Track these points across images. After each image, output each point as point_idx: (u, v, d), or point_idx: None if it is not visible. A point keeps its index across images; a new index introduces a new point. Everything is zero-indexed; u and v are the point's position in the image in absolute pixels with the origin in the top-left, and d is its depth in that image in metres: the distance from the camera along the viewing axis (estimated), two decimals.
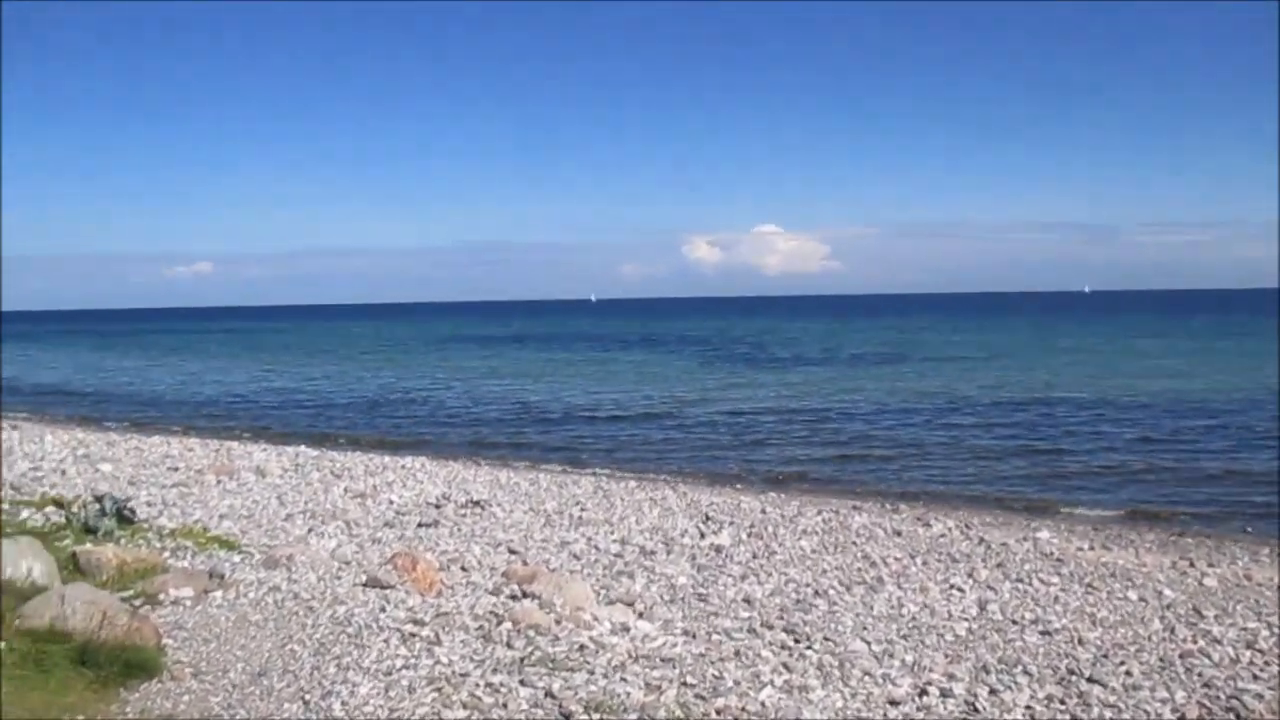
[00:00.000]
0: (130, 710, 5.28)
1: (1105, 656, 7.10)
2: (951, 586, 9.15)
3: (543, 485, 15.12)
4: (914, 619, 8.09)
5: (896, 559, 10.26)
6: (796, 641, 7.36)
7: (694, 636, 7.44)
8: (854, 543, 11.08)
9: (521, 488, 14.83)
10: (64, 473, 15.02)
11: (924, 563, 10.13)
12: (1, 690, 5.17)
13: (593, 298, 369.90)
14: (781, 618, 8.06)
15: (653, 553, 10.52)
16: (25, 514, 10.48)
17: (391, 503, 13.27)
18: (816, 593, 8.92)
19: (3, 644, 5.66)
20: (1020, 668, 6.82)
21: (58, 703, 5.19)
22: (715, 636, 7.46)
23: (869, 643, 7.34)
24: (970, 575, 9.61)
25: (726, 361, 46.17)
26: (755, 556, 10.38)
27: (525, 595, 8.25)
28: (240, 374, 44.04)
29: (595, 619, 7.58)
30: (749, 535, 11.40)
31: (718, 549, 10.70)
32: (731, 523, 12.09)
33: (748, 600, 8.63)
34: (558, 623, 7.30)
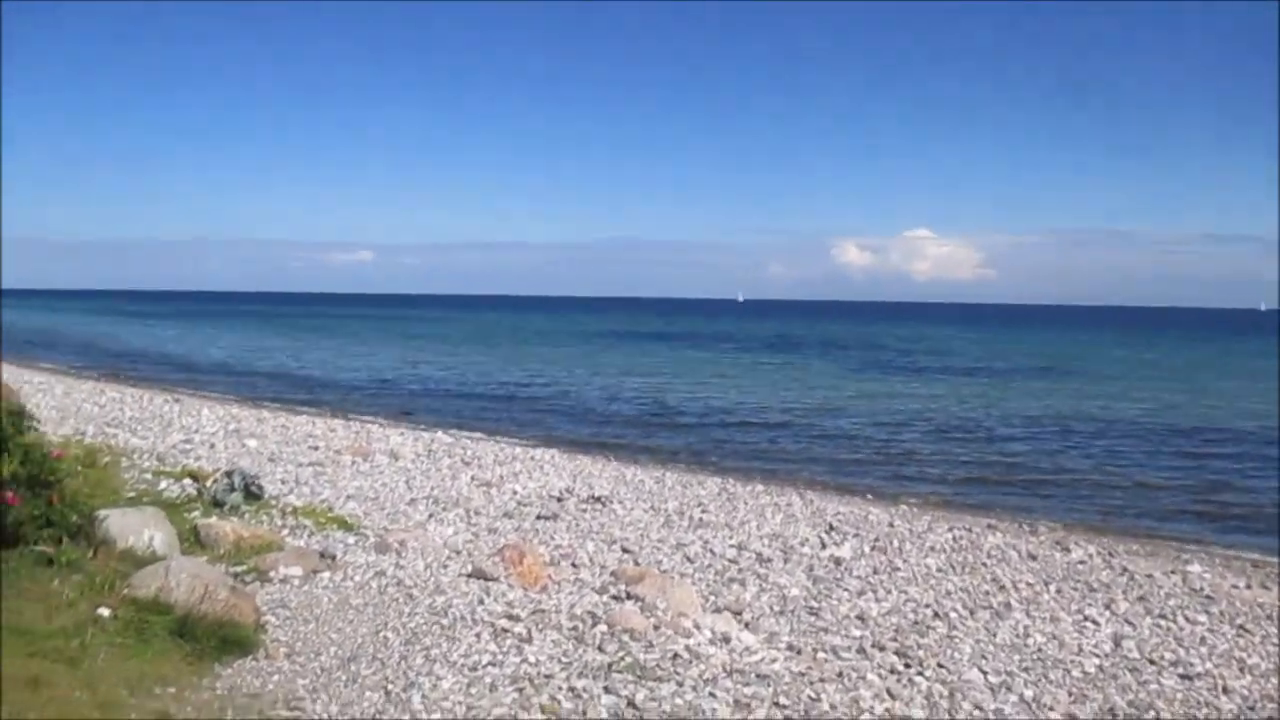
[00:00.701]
0: (220, 686, 5.33)
1: (1252, 709, 6.45)
2: (1085, 618, 8.52)
3: (667, 484, 14.95)
4: (1039, 651, 7.55)
5: (1028, 584, 9.65)
6: (907, 666, 6.96)
7: (798, 652, 7.12)
8: (984, 564, 10.49)
9: (646, 485, 14.70)
10: (213, 446, 15.64)
11: (1058, 590, 9.49)
12: (100, 656, 5.31)
13: (739, 297, 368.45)
14: (895, 639, 7.65)
15: (769, 560, 10.21)
16: (164, 484, 10.91)
17: (515, 493, 13.32)
18: (936, 614, 8.45)
19: (109, 611, 5.82)
20: (1153, 713, 6.26)
21: (153, 673, 5.28)
22: (820, 654, 7.13)
23: (986, 673, 6.88)
24: (1108, 607, 8.94)
25: (870, 368, 45.01)
26: (876, 571, 9.94)
27: (629, 597, 8.08)
28: (389, 359, 45.52)
29: (696, 626, 7.34)
30: (872, 549, 10.94)
31: (837, 561, 10.30)
32: (856, 534, 11.64)
33: (861, 617, 8.24)
34: (655, 628, 7.09)
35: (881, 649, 7.36)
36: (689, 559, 10.13)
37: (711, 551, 10.48)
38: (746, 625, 7.83)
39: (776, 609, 8.41)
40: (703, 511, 12.72)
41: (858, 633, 7.79)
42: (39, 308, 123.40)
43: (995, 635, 7.91)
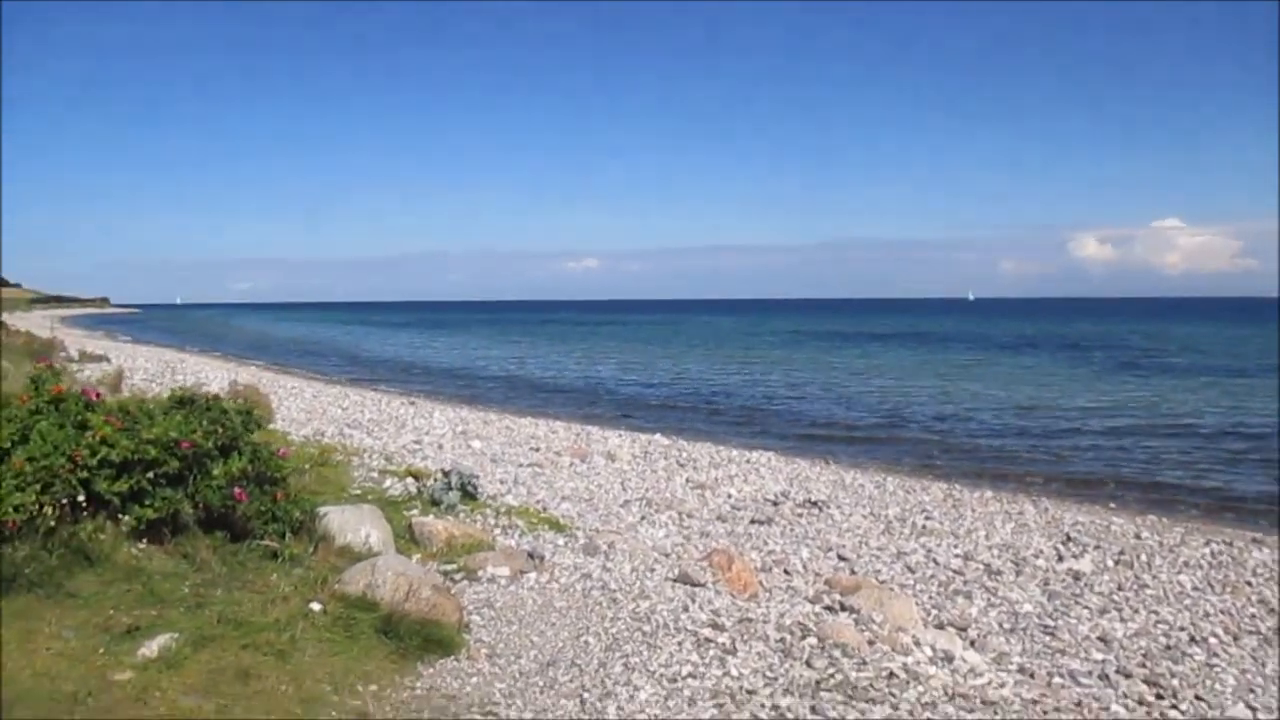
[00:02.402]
0: (420, 686, 5.31)
1: None
2: None
3: (888, 489, 14.28)
4: None
5: None
6: (1159, 697, 6.20)
7: (1030, 676, 6.48)
8: (1248, 583, 9.34)
9: (865, 490, 14.09)
10: (440, 447, 16.20)
11: None
12: (308, 651, 5.41)
13: (970, 296, 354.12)
14: (1144, 665, 6.87)
15: (998, 573, 9.48)
16: (388, 483, 11.30)
17: (729, 496, 13.05)
18: (1193, 639, 7.54)
19: (319, 606, 5.95)
20: None
21: (356, 669, 5.33)
22: (1057, 679, 6.46)
23: (1255, 709, 6.03)
24: None
25: (1114, 369, 41.78)
26: (1120, 588, 9.03)
27: (843, 608, 7.64)
28: (610, 363, 46.32)
29: (915, 643, 6.82)
30: (1115, 563, 9.96)
31: (1076, 575, 9.43)
32: (1097, 546, 10.66)
33: (1104, 639, 7.46)
34: (870, 643, 6.63)
35: (1128, 676, 6.61)
36: (910, 569, 9.55)
37: (935, 561, 9.85)
38: (972, 643, 7.23)
39: (1006, 626, 7.75)
40: (926, 518, 12.02)
41: (1100, 656, 7.04)
42: (295, 319, 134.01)
43: (1265, 666, 6.97)
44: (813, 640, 6.52)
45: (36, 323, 70.41)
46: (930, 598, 8.57)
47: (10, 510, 6.02)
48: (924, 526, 11.59)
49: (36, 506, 6.17)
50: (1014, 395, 29.81)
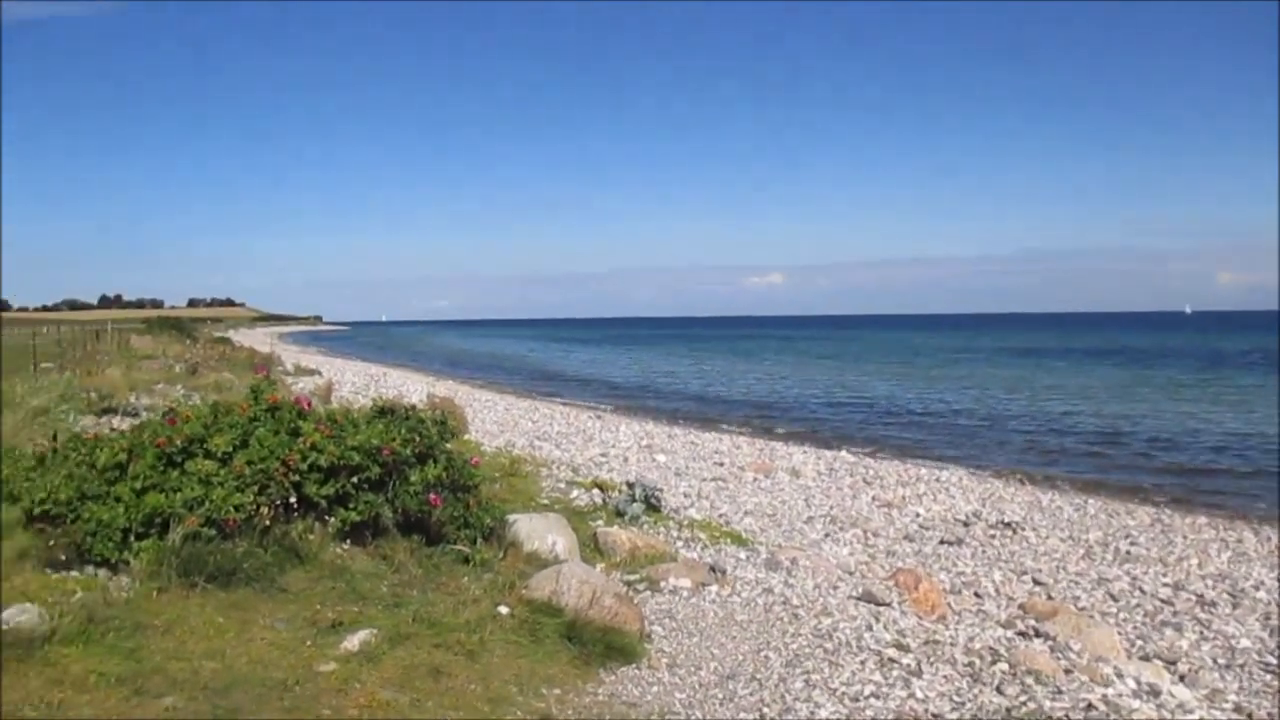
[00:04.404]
0: (602, 692, 5.40)
1: None
2: None
3: (1089, 512, 13.56)
4: None
5: None
6: None
7: (1248, 717, 6.01)
8: None
9: (1064, 513, 13.43)
10: (625, 459, 16.47)
11: None
12: (496, 652, 5.60)
13: (1186, 309, 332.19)
14: None
15: (1213, 604, 8.84)
16: (575, 493, 11.58)
17: (917, 515, 12.71)
18: None
19: (507, 609, 6.15)
20: None
21: (541, 672, 5.48)
22: None
23: None
24: None
25: None
26: None
27: (1037, 634, 7.32)
28: (795, 378, 45.84)
29: (1117, 674, 6.44)
30: None
31: None
32: None
33: None
34: (1066, 672, 6.30)
35: None
36: (1112, 596, 9.04)
37: (1140, 589, 9.28)
38: (1181, 678, 6.77)
39: (1221, 662, 7.23)
40: (1131, 544, 11.35)
41: None
42: (487, 334, 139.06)
43: None
44: (1004, 666, 6.25)
45: (258, 339, 75.92)
46: (1134, 628, 8.08)
47: (231, 509, 6.52)
48: (1128, 552, 10.95)
49: (254, 506, 6.66)
50: (1238, 417, 27.67)
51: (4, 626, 5.00)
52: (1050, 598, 8.83)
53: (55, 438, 7.73)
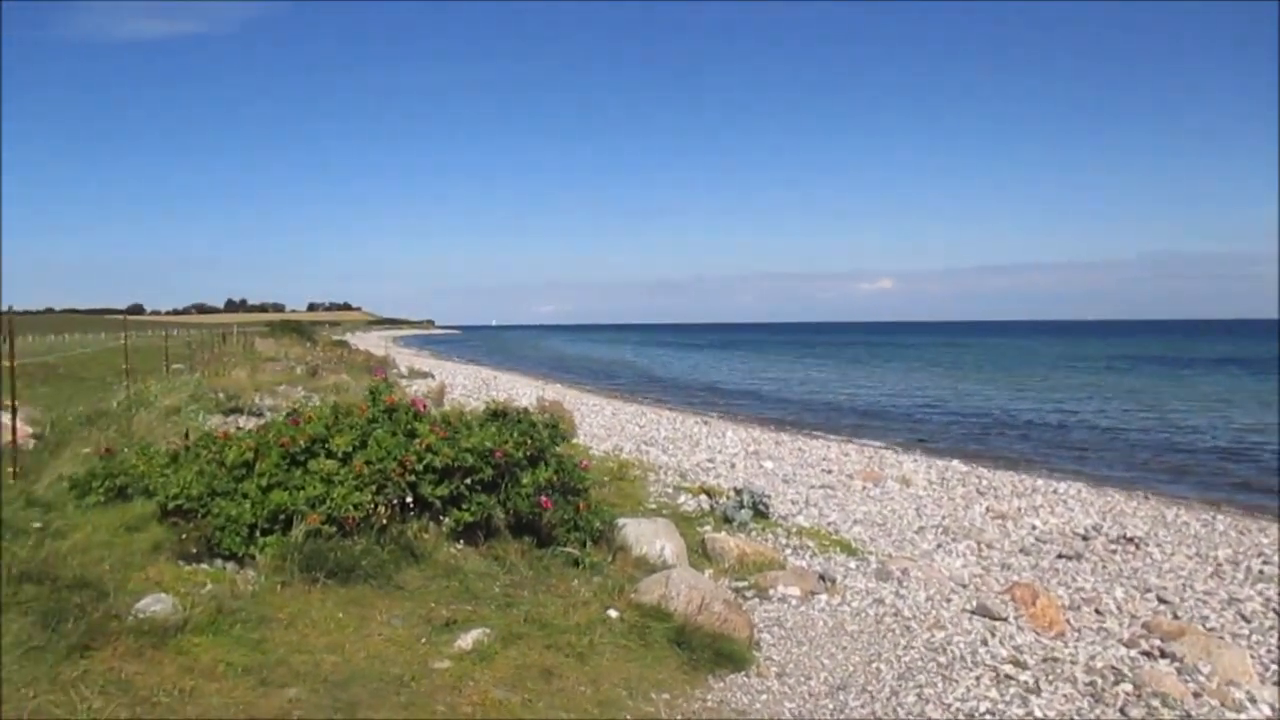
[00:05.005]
0: (710, 698, 5.40)
1: None
2: None
3: (1217, 528, 12.96)
4: None
5: None
6: None
7: None
8: None
9: (1190, 528, 12.87)
10: (732, 465, 16.41)
11: None
12: (606, 655, 5.64)
13: None
14: None
15: None
16: (682, 499, 11.58)
17: (1034, 528, 12.34)
18: None
19: (616, 613, 6.19)
20: None
21: (650, 676, 5.50)
22: None
23: None
24: None
25: None
26: None
27: (1163, 655, 7.03)
28: (906, 386, 45.03)
29: (1250, 699, 6.14)
30: None
31: None
32: None
33: None
34: (1195, 695, 6.04)
35: None
36: (1244, 617, 8.61)
37: (1275, 611, 8.82)
38: None
39: None
40: (1264, 563, 10.80)
41: None
42: (594, 339, 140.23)
43: None
44: (1128, 687, 6.02)
45: (373, 343, 78.14)
46: (1269, 650, 7.68)
47: (351, 508, 6.72)
48: (1261, 572, 10.42)
49: (372, 505, 6.86)
50: None
51: (140, 615, 5.25)
52: (1176, 617, 8.47)
53: (187, 435, 8.10)
